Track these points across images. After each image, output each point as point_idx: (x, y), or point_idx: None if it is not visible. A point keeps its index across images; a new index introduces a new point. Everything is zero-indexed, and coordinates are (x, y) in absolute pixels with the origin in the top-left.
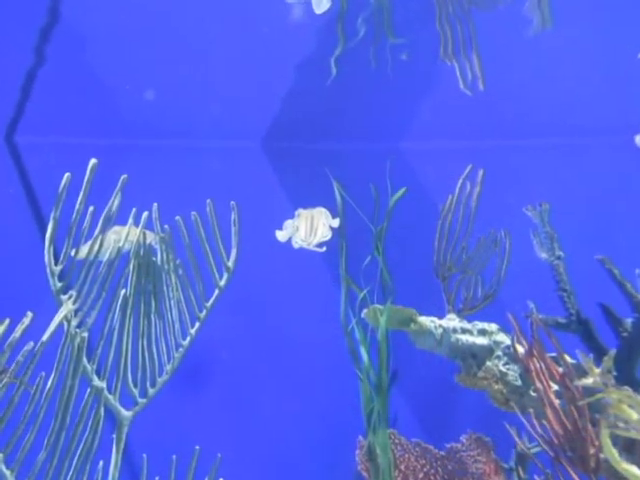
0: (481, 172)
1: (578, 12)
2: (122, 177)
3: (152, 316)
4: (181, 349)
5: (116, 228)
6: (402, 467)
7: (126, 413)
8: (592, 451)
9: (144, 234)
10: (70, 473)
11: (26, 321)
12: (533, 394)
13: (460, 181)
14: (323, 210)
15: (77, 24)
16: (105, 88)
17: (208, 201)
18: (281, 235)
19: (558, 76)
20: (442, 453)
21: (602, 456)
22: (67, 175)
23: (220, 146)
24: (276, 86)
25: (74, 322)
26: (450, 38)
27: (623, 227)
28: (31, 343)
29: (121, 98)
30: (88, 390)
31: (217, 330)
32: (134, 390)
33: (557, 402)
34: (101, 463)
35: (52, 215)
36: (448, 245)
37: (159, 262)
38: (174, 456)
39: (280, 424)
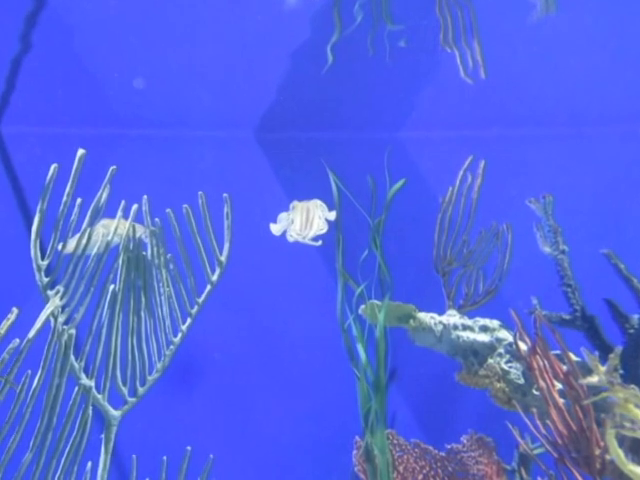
0: (482, 163)
1: None
2: (111, 168)
3: (142, 312)
4: (172, 346)
5: (105, 221)
6: (401, 468)
7: (115, 413)
8: (597, 452)
9: (134, 227)
10: (57, 475)
11: (11, 317)
12: (536, 393)
13: (461, 172)
14: (319, 202)
15: (64, 10)
16: (93, 76)
17: (200, 193)
18: (275, 228)
19: (562, 63)
20: (442, 454)
21: (608, 457)
22: (54, 166)
23: (212, 136)
24: (270, 74)
25: (61, 318)
26: (450, 24)
27: (630, 220)
28: (17, 340)
29: (109, 87)
30: (76, 389)
31: (209, 327)
32: (123, 389)
33: (561, 401)
34: (89, 464)
35: (38, 208)
36: (448, 239)
37: (149, 256)
38: (165, 457)
39: (274, 424)
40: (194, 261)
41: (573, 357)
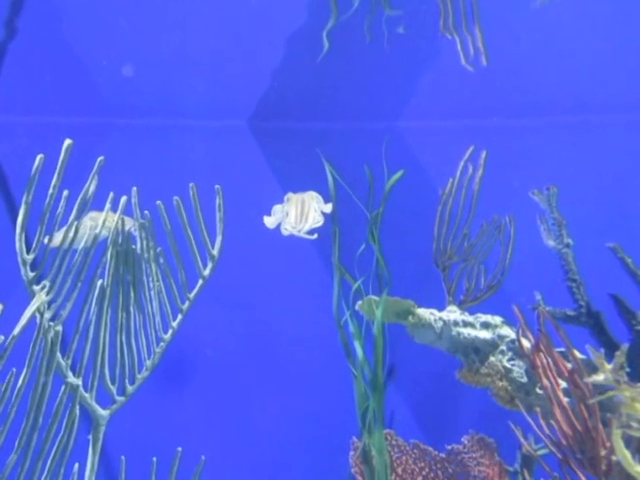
0: (484, 153)
1: None
2: (99, 159)
3: (131, 308)
4: (162, 343)
5: (92, 214)
6: (399, 470)
7: (103, 412)
8: (603, 453)
9: (123, 220)
10: (43, 477)
11: None
12: (540, 392)
13: (462, 163)
14: (314, 194)
15: None
16: (81, 63)
17: (191, 185)
18: (269, 221)
19: (566, 50)
20: (442, 455)
21: (614, 458)
22: (40, 156)
23: (204, 125)
24: (264, 62)
25: (47, 314)
26: (451, 10)
27: (636, 212)
28: (1, 337)
29: (98, 74)
30: (62, 387)
31: (201, 323)
32: (112, 387)
33: (565, 400)
34: (76, 466)
35: (24, 200)
36: (449, 232)
37: (139, 250)
38: (155, 458)
39: (268, 424)
40: (185, 255)
41: (578, 354)
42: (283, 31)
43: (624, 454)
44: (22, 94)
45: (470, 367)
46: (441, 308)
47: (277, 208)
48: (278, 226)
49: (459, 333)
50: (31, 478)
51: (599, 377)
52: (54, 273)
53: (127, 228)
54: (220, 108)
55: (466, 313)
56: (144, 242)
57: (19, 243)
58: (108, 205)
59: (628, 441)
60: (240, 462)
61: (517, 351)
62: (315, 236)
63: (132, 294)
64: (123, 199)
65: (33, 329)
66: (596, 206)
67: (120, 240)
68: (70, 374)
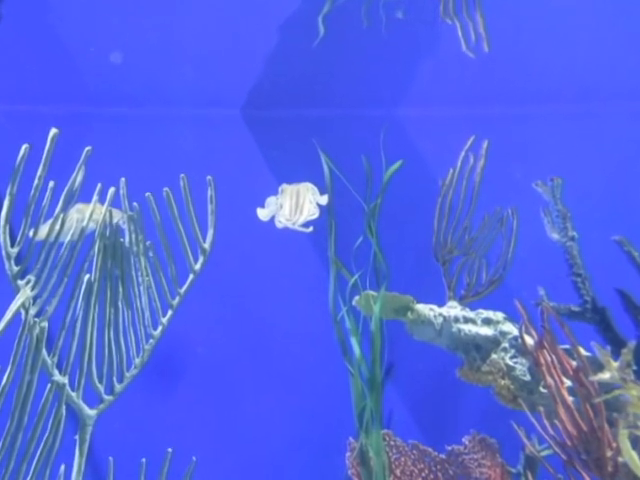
0: (485, 143)
1: None
2: (86, 149)
3: (119, 304)
4: (152, 340)
5: (79, 206)
6: (398, 472)
7: (90, 412)
8: (609, 454)
9: (110, 212)
10: (28, 478)
11: None
12: (543, 390)
13: (462, 153)
14: (310, 185)
15: None
16: (67, 50)
17: (182, 176)
18: (263, 213)
19: (571, 36)
20: (442, 456)
21: (620, 459)
22: (25, 146)
23: (195, 114)
24: (258, 48)
25: (33, 310)
26: None
27: None
28: None
29: (85, 61)
30: (48, 386)
31: (192, 319)
32: (99, 386)
33: (570, 399)
34: (63, 467)
35: (8, 191)
36: (449, 225)
37: (127, 244)
38: (144, 459)
39: (262, 424)
40: (175, 249)
41: (583, 352)
42: (277, 16)
43: (631, 455)
44: (5, 82)
45: (471, 365)
46: (441, 304)
47: (271, 200)
48: (272, 218)
49: (460, 330)
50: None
51: (605, 375)
52: (39, 267)
53: (115, 221)
54: (212, 96)
55: (467, 309)
56: (133, 235)
57: (3, 236)
58: (95, 197)
59: (635, 442)
60: (232, 464)
61: (520, 348)
62: (310, 229)
63: (120, 289)
64: (111, 191)
65: (18, 325)
66: (602, 197)
67: (108, 233)
68: (56, 372)
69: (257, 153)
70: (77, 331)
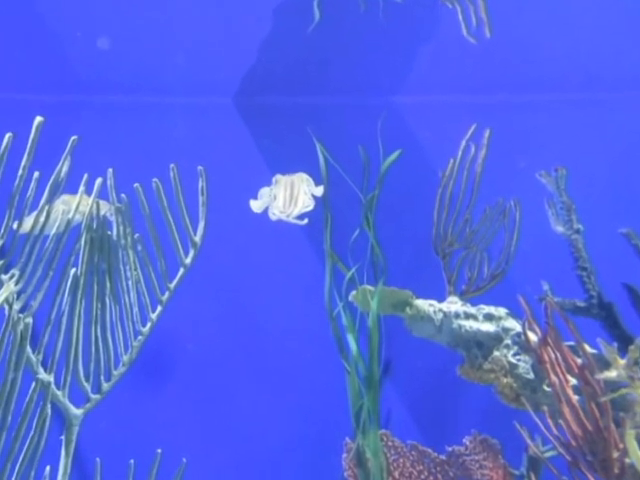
0: (487, 132)
1: None
2: (72, 138)
3: (107, 299)
4: (140, 337)
5: (65, 197)
6: (396, 474)
7: (77, 411)
8: (615, 455)
9: (97, 204)
10: (12, 479)
11: None
12: (547, 389)
13: (463, 142)
14: (305, 176)
15: None
16: (53, 35)
17: (172, 166)
18: (256, 205)
19: (576, 21)
20: (442, 457)
21: (627, 461)
22: (9, 135)
23: (186, 103)
24: (251, 33)
25: (17, 306)
26: None
27: None
28: None
29: (71, 47)
30: (33, 384)
31: (182, 315)
32: (86, 385)
33: (575, 398)
34: (48, 469)
35: None
36: (449, 217)
37: (115, 237)
38: (132, 460)
39: (255, 424)
40: (165, 242)
41: (588, 349)
42: (271, 0)
43: (638, 456)
44: None
45: (472, 362)
46: (441, 299)
47: (264, 191)
48: (265, 210)
49: (460, 326)
50: None
51: (611, 373)
52: (24, 261)
53: (102, 213)
54: (203, 84)
55: (468, 304)
56: (121, 228)
57: None
58: (82, 188)
59: None
60: (225, 465)
61: (523, 345)
62: (305, 221)
63: (108, 284)
64: (98, 181)
65: (1, 321)
66: (608, 189)
67: (95, 226)
68: (41, 370)
69: (250, 143)
70: (63, 327)
